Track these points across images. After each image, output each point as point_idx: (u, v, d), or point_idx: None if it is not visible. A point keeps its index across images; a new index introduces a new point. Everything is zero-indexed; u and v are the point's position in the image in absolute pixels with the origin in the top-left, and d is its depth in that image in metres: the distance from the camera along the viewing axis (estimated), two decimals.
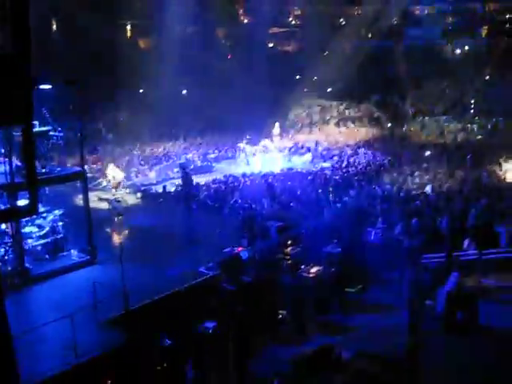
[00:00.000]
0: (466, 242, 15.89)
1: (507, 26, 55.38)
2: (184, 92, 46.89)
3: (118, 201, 15.15)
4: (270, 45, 60.97)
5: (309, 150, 36.19)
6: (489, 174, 25.19)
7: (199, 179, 26.81)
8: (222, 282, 13.60)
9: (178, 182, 25.04)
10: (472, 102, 47.10)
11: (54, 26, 45.73)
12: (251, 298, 13.20)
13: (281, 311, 13.84)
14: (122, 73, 40.60)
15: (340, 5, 59.32)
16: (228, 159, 35.01)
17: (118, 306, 11.62)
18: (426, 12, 59.89)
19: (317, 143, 37.67)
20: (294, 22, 61.89)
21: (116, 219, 15.14)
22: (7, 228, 14.88)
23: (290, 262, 15.17)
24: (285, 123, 42.93)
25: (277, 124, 39.16)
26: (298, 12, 62.47)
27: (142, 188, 26.15)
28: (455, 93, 49.77)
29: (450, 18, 57.78)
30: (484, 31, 57.23)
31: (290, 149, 36.74)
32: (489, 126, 41.51)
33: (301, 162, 33.19)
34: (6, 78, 7.00)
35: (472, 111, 45.88)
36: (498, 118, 42.73)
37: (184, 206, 19.14)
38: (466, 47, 56.56)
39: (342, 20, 61.86)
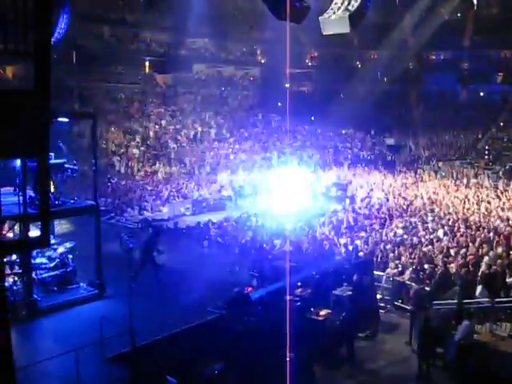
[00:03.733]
0: (478, 289, 15.68)
1: None
2: (199, 130, 47.26)
3: (130, 236, 15.11)
4: (287, 85, 61.71)
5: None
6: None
7: (212, 217, 26.83)
8: (229, 322, 13.44)
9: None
10: (486, 147, 47.13)
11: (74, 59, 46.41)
12: (259, 339, 13.00)
13: (289, 354, 13.62)
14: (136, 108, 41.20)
15: (356, 48, 60.22)
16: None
17: (124, 343, 11.48)
18: (442, 57, 60.51)
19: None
20: (310, 64, 62.59)
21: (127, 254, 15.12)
22: (17, 258, 14.92)
23: (299, 303, 14.98)
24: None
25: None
26: (315, 54, 63.31)
27: (154, 224, 26.16)
28: (469, 138, 49.92)
29: (466, 64, 58.15)
30: (499, 77, 57.64)
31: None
32: (500, 173, 41.31)
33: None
34: (24, 111, 7.10)
35: (486, 157, 45.84)
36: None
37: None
38: (481, 93, 56.94)
39: (358, 63, 62.67)
